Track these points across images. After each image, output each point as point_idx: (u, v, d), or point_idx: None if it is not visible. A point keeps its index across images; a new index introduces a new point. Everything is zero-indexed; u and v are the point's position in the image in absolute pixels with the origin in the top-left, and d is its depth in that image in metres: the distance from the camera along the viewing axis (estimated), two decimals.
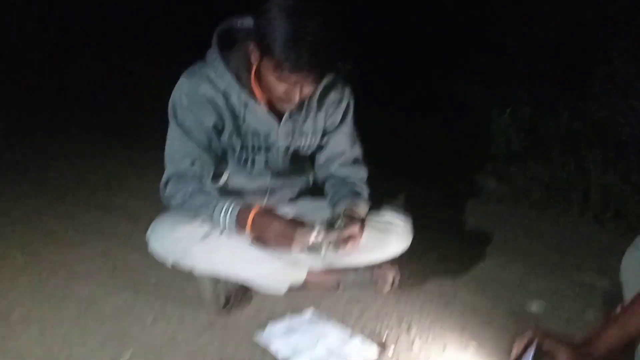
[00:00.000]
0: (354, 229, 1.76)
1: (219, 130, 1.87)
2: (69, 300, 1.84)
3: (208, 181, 1.87)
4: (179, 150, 1.84)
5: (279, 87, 1.71)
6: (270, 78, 1.70)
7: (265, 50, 1.66)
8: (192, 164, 1.83)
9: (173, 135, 1.86)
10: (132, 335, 1.67)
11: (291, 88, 1.71)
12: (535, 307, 1.94)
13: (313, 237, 1.69)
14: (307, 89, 1.74)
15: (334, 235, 1.72)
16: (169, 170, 1.86)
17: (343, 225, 1.76)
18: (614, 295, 1.72)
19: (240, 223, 1.73)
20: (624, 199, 2.78)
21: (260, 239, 1.74)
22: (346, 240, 1.74)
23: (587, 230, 2.68)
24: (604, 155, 3.07)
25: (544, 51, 4.19)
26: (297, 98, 1.74)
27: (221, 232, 1.81)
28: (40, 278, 1.96)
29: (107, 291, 1.91)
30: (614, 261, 1.61)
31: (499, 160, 3.26)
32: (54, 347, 1.59)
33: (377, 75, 4.17)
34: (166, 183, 1.86)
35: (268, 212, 1.75)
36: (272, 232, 1.70)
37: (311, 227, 1.71)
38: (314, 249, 1.71)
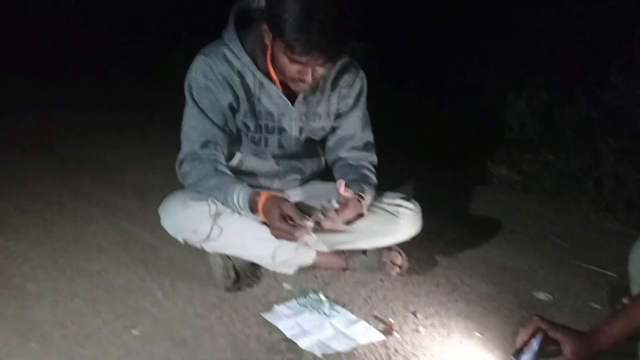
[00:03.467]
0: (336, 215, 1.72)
1: (234, 109, 1.88)
2: (81, 273, 1.87)
3: (223, 160, 1.89)
4: (195, 128, 1.85)
5: (292, 68, 1.71)
6: (283, 59, 1.70)
7: (277, 31, 1.65)
8: (208, 143, 1.85)
9: (189, 113, 1.87)
10: (143, 309, 1.70)
11: (303, 69, 1.70)
12: (542, 295, 1.95)
13: (310, 234, 1.71)
14: (320, 70, 1.73)
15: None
16: (184, 149, 1.88)
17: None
18: (621, 286, 1.72)
19: (252, 208, 1.76)
20: (638, 190, 2.76)
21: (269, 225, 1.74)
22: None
23: (598, 220, 2.67)
24: (618, 145, 3.04)
25: (561, 35, 4.13)
26: (309, 79, 1.74)
27: (239, 213, 1.83)
28: (53, 251, 1.99)
29: (118, 266, 1.94)
30: (624, 252, 1.61)
31: (512, 145, 3.25)
32: (66, 319, 1.62)
33: (391, 56, 4.14)
34: (182, 161, 1.88)
35: (275, 201, 1.72)
36: (274, 224, 1.70)
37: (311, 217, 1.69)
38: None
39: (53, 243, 2.05)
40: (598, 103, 3.40)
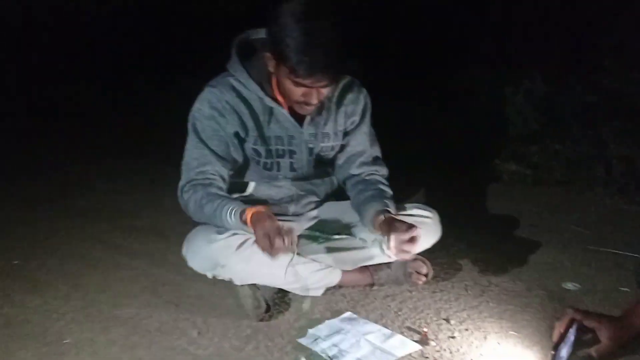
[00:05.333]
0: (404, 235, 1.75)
1: (240, 138, 1.91)
2: (116, 322, 1.89)
3: (221, 183, 1.89)
4: (196, 158, 1.88)
5: (297, 92, 1.76)
6: (288, 84, 1.75)
7: (280, 57, 1.71)
8: (205, 170, 1.87)
9: (190, 144, 1.91)
10: (181, 350, 1.72)
11: (308, 91, 1.75)
12: (570, 286, 1.96)
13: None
14: (324, 92, 1.78)
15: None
16: (183, 178, 1.90)
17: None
18: None
19: (244, 223, 1.75)
20: None
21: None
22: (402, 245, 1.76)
23: (612, 203, 2.68)
24: (621, 126, 3.07)
25: (549, 26, 4.18)
26: (314, 101, 1.78)
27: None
28: (85, 304, 2.00)
29: (150, 309, 1.96)
30: None
31: (518, 141, 3.27)
32: None
33: (383, 71, 4.18)
34: (182, 191, 1.90)
35: (259, 217, 1.70)
36: (258, 235, 1.69)
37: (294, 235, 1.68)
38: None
39: (83, 295, 2.06)
40: (595, 88, 3.43)
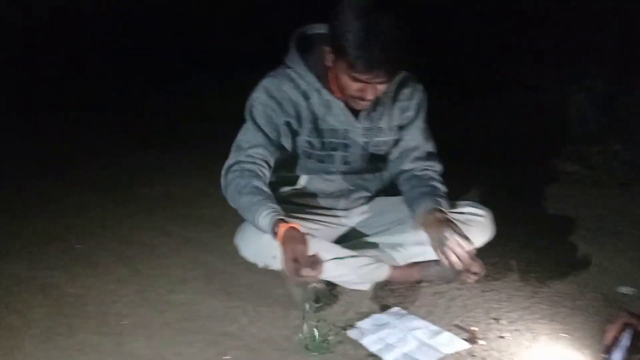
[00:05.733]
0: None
1: (292, 128, 1.93)
2: (170, 306, 1.97)
3: (267, 173, 1.88)
4: (248, 140, 1.89)
5: (353, 86, 1.77)
6: (345, 78, 1.76)
7: (339, 51, 1.73)
8: (255, 153, 1.87)
9: (245, 128, 1.93)
10: (231, 336, 1.77)
11: (365, 87, 1.76)
12: (626, 290, 1.91)
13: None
14: (381, 87, 1.78)
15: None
16: (231, 158, 1.90)
17: None
18: None
19: (274, 234, 1.73)
20: None
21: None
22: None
23: None
24: None
25: (613, 24, 4.04)
26: (370, 97, 1.79)
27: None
28: (142, 288, 2.09)
29: (203, 296, 2.03)
30: None
31: (578, 140, 3.19)
32: (163, 350, 1.71)
33: (443, 65, 4.15)
34: (227, 171, 1.89)
35: (291, 242, 1.67)
36: (286, 257, 1.66)
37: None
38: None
39: (140, 280, 2.15)
40: None
